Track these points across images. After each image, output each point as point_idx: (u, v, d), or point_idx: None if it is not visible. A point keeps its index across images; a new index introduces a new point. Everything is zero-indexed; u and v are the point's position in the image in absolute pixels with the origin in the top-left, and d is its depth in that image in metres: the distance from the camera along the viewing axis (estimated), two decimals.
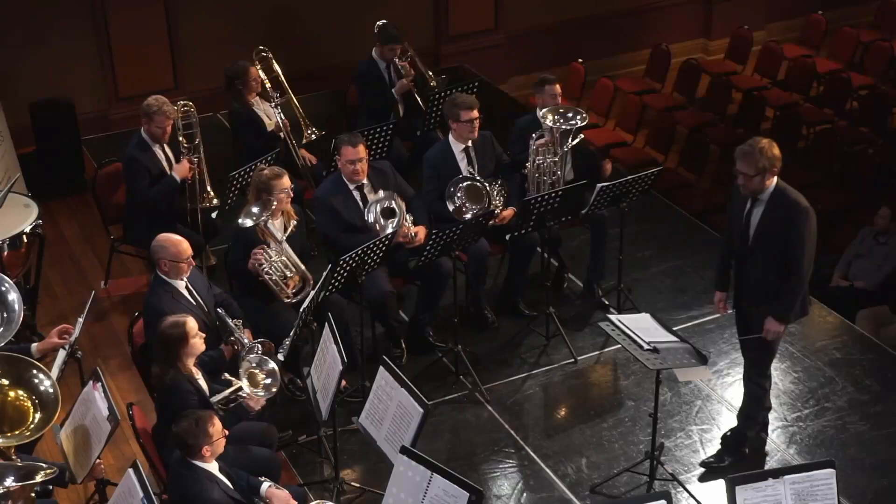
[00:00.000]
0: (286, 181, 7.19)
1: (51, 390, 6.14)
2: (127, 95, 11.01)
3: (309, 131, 8.93)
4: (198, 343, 6.11)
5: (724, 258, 6.79)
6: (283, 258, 7.08)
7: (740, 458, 6.86)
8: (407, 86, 9.43)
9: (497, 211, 7.82)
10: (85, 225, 9.70)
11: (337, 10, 11.75)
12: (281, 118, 8.80)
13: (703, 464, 6.88)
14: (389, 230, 7.35)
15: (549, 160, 7.91)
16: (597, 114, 11.68)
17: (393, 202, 7.49)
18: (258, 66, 8.96)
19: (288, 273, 7.08)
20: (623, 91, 11.93)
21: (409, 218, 7.60)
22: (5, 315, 6.77)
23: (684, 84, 12.35)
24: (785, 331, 6.61)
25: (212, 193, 8.34)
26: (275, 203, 7.06)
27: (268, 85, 8.94)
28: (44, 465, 5.45)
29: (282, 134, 8.80)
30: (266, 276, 7.02)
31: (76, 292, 8.72)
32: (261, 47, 9.02)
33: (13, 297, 6.81)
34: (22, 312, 6.86)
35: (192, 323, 6.09)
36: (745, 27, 12.81)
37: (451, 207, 7.72)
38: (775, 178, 6.38)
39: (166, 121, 8.07)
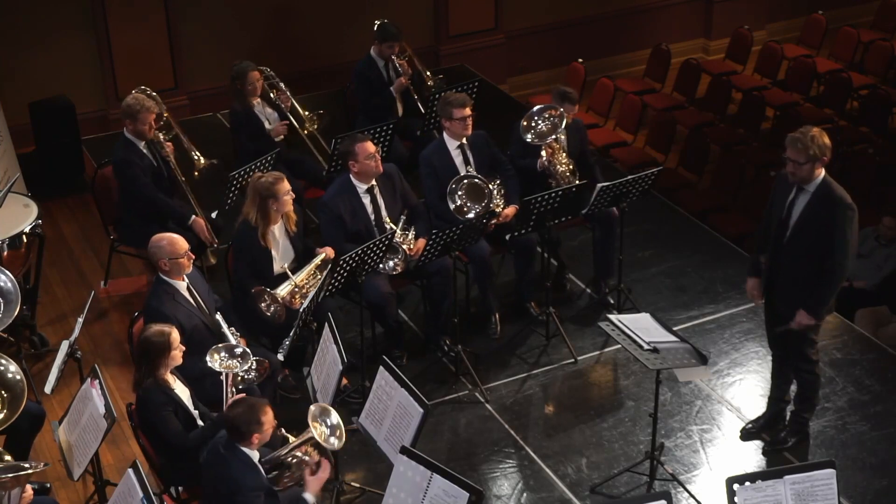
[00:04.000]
0: (286, 184, 7.17)
1: (17, 377, 6.17)
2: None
3: (309, 123, 9.00)
4: (177, 356, 6.12)
5: (760, 246, 6.75)
6: (309, 282, 7.15)
7: (803, 437, 6.96)
8: (404, 84, 9.42)
9: (498, 210, 7.82)
10: (85, 225, 9.70)
11: (337, 9, 11.75)
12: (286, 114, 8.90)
13: (768, 444, 6.91)
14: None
15: (560, 167, 7.92)
16: (597, 114, 11.69)
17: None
18: (262, 73, 8.96)
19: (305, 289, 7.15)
20: (623, 91, 11.91)
21: (411, 233, 7.61)
22: (1, 301, 6.83)
23: (684, 84, 12.34)
24: (818, 324, 6.61)
25: (202, 160, 8.50)
26: (275, 208, 7.07)
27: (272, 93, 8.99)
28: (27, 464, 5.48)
29: (280, 138, 8.81)
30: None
31: (76, 292, 8.73)
32: (263, 68, 9.07)
33: (2, 278, 6.85)
34: (18, 290, 6.89)
35: (175, 334, 6.10)
36: (745, 27, 12.80)
37: (451, 206, 7.68)
38: (823, 171, 6.36)
39: (150, 115, 8.08)
